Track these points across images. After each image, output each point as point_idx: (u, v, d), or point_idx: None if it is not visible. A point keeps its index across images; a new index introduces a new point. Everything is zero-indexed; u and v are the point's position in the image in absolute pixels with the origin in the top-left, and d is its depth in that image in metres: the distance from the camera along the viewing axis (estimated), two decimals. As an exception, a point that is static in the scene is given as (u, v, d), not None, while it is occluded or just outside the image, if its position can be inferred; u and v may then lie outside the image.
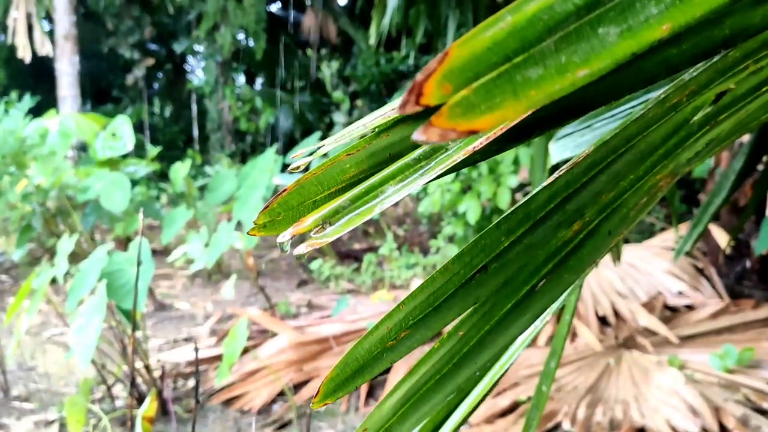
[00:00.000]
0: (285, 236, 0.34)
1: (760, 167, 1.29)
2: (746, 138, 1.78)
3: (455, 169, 0.36)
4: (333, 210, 0.34)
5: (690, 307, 2.80)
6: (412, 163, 0.36)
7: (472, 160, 0.35)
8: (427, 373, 0.38)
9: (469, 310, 0.38)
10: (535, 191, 0.38)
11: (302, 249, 0.32)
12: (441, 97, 0.23)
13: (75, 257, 4.18)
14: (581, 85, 0.26)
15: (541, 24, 0.25)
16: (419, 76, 0.23)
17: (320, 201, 0.37)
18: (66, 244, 2.70)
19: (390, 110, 0.36)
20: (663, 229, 3.85)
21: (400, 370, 2.43)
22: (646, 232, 3.91)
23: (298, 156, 0.38)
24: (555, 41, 0.25)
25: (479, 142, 0.33)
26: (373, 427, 0.39)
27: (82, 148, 6.37)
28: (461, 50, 0.24)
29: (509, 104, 0.24)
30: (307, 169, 0.40)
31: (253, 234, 0.35)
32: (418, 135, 0.23)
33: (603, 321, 2.75)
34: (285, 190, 0.36)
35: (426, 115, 0.24)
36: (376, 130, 0.37)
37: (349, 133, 0.37)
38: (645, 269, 3.05)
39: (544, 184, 0.38)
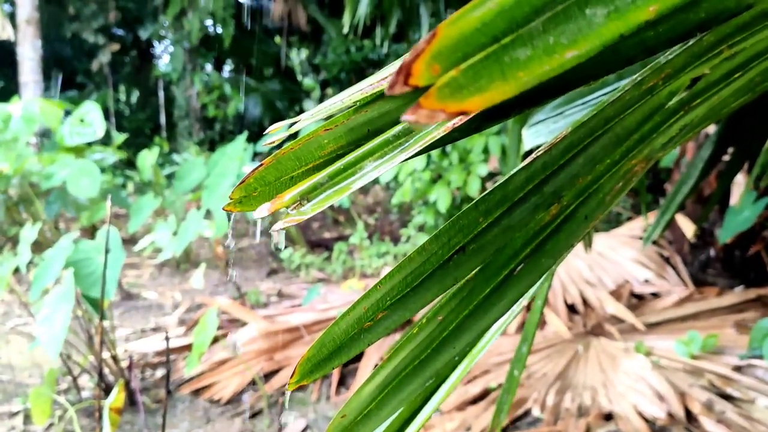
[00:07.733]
0: (262, 211, 0.33)
1: (726, 158, 1.31)
2: (712, 129, 1.81)
3: (434, 146, 0.35)
4: (311, 186, 0.33)
5: (656, 295, 2.84)
6: (391, 139, 0.35)
7: (450, 138, 0.35)
8: (406, 359, 0.38)
9: (448, 294, 0.37)
10: (512, 172, 0.38)
11: (280, 225, 0.32)
12: (430, 78, 0.23)
13: (38, 247, 4.09)
14: (569, 67, 0.25)
15: (528, 4, 0.25)
16: (408, 57, 0.23)
17: (297, 177, 0.35)
18: (29, 233, 2.64)
19: (368, 86, 0.35)
20: (629, 219, 3.91)
21: (372, 357, 2.43)
22: (613, 222, 3.96)
23: (274, 131, 0.37)
24: (543, 22, 0.25)
25: (459, 119, 0.33)
26: (352, 413, 0.38)
27: (44, 134, 6.22)
28: (450, 30, 0.23)
29: (498, 85, 0.24)
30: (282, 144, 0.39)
31: (228, 210, 0.34)
32: (407, 116, 0.23)
33: (572, 309, 2.78)
34: (262, 165, 0.34)
35: (410, 92, 0.23)
36: (356, 104, 0.36)
37: (327, 109, 0.36)
38: (612, 258, 3.09)
39: (522, 164, 0.38)
